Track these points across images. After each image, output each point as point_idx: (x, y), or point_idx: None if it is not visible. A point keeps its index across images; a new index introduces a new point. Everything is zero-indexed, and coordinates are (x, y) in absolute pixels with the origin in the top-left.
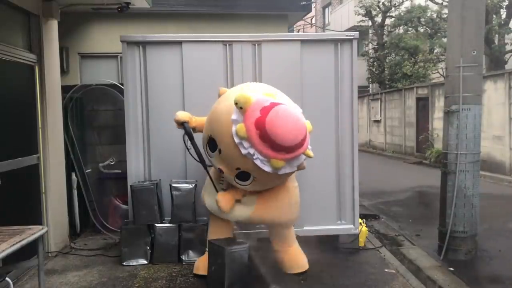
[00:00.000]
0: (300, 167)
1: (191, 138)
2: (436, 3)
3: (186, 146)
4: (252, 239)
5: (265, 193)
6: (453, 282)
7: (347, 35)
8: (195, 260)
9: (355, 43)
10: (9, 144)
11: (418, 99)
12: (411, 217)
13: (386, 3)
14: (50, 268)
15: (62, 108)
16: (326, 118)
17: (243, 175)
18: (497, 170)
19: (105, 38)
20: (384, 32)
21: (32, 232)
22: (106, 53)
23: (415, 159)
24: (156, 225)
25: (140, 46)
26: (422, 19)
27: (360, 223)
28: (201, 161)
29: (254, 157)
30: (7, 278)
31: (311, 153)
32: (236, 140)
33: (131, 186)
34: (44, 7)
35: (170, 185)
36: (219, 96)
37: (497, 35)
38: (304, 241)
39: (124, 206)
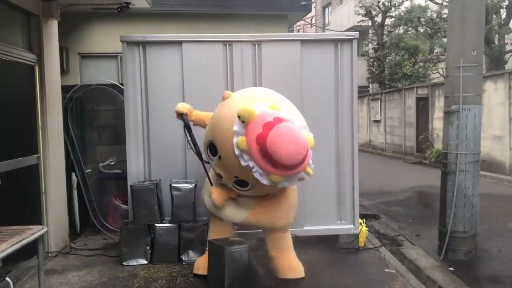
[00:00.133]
0: (299, 179)
1: (189, 130)
2: (436, 3)
3: (186, 138)
4: (252, 239)
5: (262, 197)
6: (453, 282)
7: (347, 35)
8: (195, 260)
9: (355, 43)
10: (9, 144)
11: (418, 99)
12: (411, 217)
13: (386, 3)
14: (50, 268)
15: (62, 108)
16: (326, 118)
17: (241, 182)
18: (497, 170)
19: (105, 38)
20: (384, 32)
21: (32, 232)
22: (106, 53)
23: (415, 159)
24: (156, 225)
25: (140, 46)
26: (422, 19)
27: (360, 223)
28: (198, 153)
29: (253, 170)
30: (7, 278)
31: (311, 171)
32: (237, 152)
33: (131, 186)
34: (44, 7)
35: (170, 185)
36: (223, 99)
37: (497, 35)
38: (304, 241)
39: (124, 206)
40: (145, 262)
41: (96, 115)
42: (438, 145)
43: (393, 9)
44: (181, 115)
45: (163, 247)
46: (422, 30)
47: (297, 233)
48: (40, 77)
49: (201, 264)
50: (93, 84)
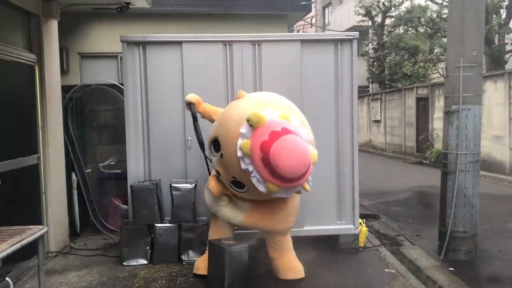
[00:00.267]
0: (295, 192)
1: (195, 120)
2: (436, 3)
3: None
4: (252, 239)
5: (260, 200)
6: (453, 282)
7: (347, 35)
8: (195, 260)
9: (355, 43)
10: (9, 144)
11: (418, 99)
12: (411, 217)
13: (386, 3)
14: (50, 268)
15: (62, 108)
16: (326, 118)
17: (238, 183)
18: (497, 170)
19: (105, 38)
20: (384, 32)
21: (32, 232)
22: (106, 53)
23: (415, 159)
24: (156, 225)
25: (140, 46)
26: (422, 19)
27: (360, 223)
28: (201, 143)
29: (252, 175)
30: (7, 278)
31: (308, 187)
32: (239, 153)
33: (131, 186)
34: (44, 7)
35: (170, 185)
36: (236, 98)
37: (497, 35)
38: (304, 241)
39: (124, 206)
40: (145, 262)
41: (96, 115)
42: (438, 145)
43: (393, 9)
44: (189, 105)
45: (163, 247)
46: (422, 30)
47: (297, 233)
48: (40, 77)
49: (201, 264)
50: (93, 84)
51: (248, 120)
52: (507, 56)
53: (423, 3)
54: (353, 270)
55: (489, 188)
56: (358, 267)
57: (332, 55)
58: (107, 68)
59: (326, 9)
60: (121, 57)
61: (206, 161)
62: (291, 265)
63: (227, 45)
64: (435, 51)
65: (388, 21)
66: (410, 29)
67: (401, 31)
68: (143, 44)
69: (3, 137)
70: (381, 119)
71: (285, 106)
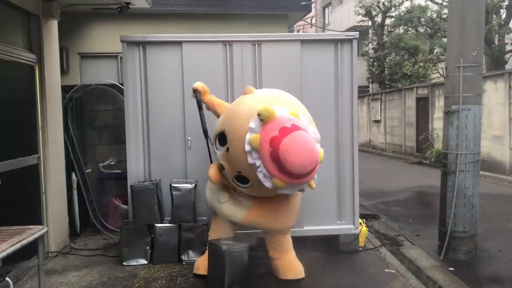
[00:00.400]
0: (299, 190)
1: (200, 108)
2: (436, 3)
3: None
4: (252, 239)
5: (261, 198)
6: (453, 282)
7: (347, 35)
8: (195, 260)
9: (355, 43)
10: (9, 144)
11: (418, 99)
12: (411, 217)
13: (386, 3)
14: (50, 268)
15: (62, 108)
16: (326, 118)
17: (242, 178)
18: (497, 170)
19: (105, 38)
20: (384, 32)
21: (32, 232)
22: (106, 53)
23: (415, 159)
24: (156, 225)
25: (140, 46)
26: (422, 19)
27: (360, 223)
28: (205, 131)
29: (259, 169)
30: (7, 278)
31: (314, 184)
32: (247, 148)
33: (131, 186)
34: (44, 7)
35: (170, 185)
36: (245, 93)
37: (497, 35)
38: (304, 241)
39: (124, 206)
40: (145, 262)
41: (96, 115)
42: (438, 145)
43: (393, 9)
44: (195, 92)
45: (163, 247)
46: (422, 30)
47: (297, 233)
48: (40, 77)
49: (201, 264)
50: (93, 84)
51: (259, 115)
52: (507, 56)
53: (423, 3)
54: (353, 270)
55: (489, 188)
56: (358, 267)
57: (332, 55)
58: (107, 68)
59: (326, 9)
60: (121, 57)
61: (209, 149)
62: (291, 265)
63: (227, 45)
64: (435, 51)
65: (388, 21)
66: (410, 29)
67: (401, 31)
68: (143, 44)
69: (3, 137)
70: (381, 119)
71: (294, 104)
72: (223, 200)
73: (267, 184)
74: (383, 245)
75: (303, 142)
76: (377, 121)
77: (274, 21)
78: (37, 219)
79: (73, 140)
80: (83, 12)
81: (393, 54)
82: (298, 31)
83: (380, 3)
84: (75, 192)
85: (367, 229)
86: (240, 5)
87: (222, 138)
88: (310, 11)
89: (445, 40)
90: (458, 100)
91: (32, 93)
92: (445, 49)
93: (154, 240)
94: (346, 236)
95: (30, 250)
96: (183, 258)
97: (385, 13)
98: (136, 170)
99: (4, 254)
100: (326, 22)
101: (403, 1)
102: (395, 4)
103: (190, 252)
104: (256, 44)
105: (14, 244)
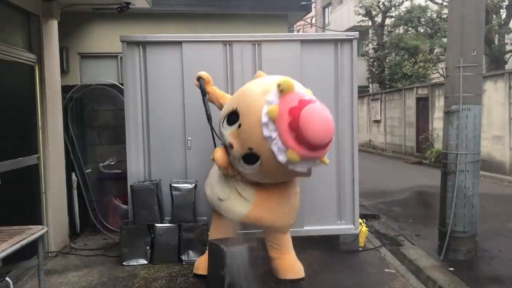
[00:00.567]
0: (306, 173)
1: (203, 95)
2: (436, 3)
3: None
4: (252, 239)
5: (264, 194)
6: (453, 282)
7: (347, 35)
8: (195, 260)
9: (355, 43)
10: (9, 144)
11: (418, 99)
12: (411, 217)
13: (386, 3)
14: (50, 268)
15: (62, 108)
16: None
17: (251, 158)
18: (497, 170)
19: (105, 38)
20: (384, 32)
21: (32, 232)
22: (106, 53)
23: (415, 159)
24: (156, 225)
25: (140, 46)
26: (422, 19)
27: (360, 223)
28: (208, 117)
29: (274, 143)
30: (7, 278)
31: (327, 160)
32: (264, 119)
33: (131, 186)
34: (44, 7)
35: (170, 185)
36: (256, 77)
37: (497, 35)
38: (304, 241)
39: (124, 206)
40: (145, 262)
41: (96, 115)
42: (438, 145)
43: (393, 9)
44: (198, 80)
45: (163, 247)
46: (422, 30)
47: (297, 233)
48: (40, 77)
49: (201, 264)
50: (93, 84)
51: (279, 85)
52: (507, 56)
53: (423, 3)
54: (353, 270)
55: (489, 188)
56: (358, 267)
57: (332, 55)
58: (107, 68)
59: (326, 9)
60: (121, 57)
61: (213, 133)
62: (291, 265)
63: (227, 45)
64: (435, 51)
65: (388, 21)
66: (410, 29)
67: (401, 31)
68: (143, 44)
69: (3, 137)
70: (381, 119)
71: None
72: (223, 197)
73: (281, 157)
74: (383, 245)
75: (322, 114)
76: (377, 121)
77: (274, 21)
78: (37, 219)
79: (73, 140)
80: (83, 12)
81: (393, 54)
82: (298, 31)
83: (380, 3)
84: (75, 192)
85: (367, 229)
86: (240, 5)
87: (233, 116)
88: (310, 11)
89: (445, 40)
90: (458, 100)
91: (32, 93)
92: (445, 49)
93: (154, 240)
94: (346, 236)
95: (30, 250)
96: (183, 258)
97: (385, 13)
98: (136, 170)
99: (4, 254)
100: (326, 22)
101: (403, 1)
102: (395, 4)
103: (190, 252)
104: (256, 44)
105: (14, 244)
